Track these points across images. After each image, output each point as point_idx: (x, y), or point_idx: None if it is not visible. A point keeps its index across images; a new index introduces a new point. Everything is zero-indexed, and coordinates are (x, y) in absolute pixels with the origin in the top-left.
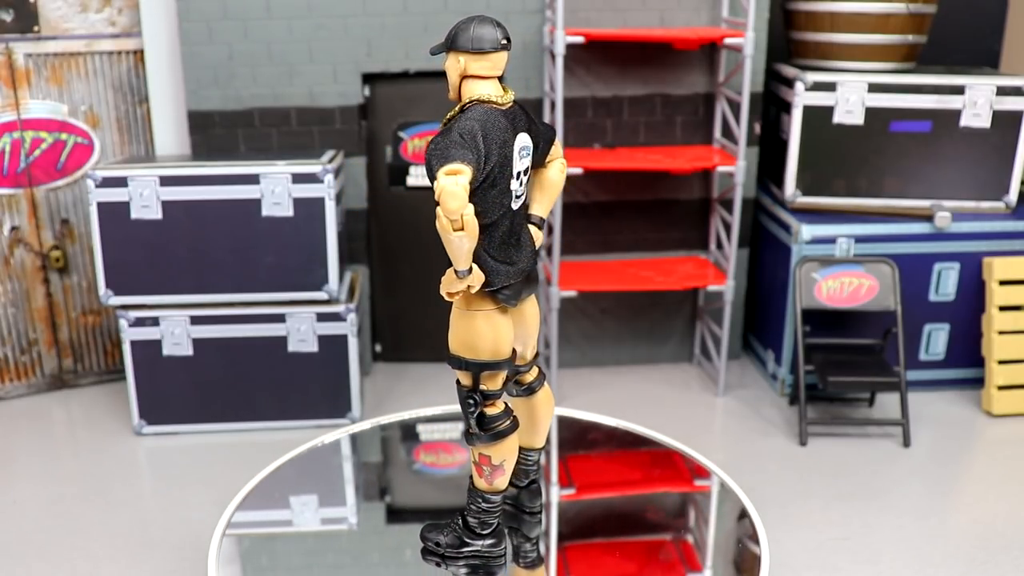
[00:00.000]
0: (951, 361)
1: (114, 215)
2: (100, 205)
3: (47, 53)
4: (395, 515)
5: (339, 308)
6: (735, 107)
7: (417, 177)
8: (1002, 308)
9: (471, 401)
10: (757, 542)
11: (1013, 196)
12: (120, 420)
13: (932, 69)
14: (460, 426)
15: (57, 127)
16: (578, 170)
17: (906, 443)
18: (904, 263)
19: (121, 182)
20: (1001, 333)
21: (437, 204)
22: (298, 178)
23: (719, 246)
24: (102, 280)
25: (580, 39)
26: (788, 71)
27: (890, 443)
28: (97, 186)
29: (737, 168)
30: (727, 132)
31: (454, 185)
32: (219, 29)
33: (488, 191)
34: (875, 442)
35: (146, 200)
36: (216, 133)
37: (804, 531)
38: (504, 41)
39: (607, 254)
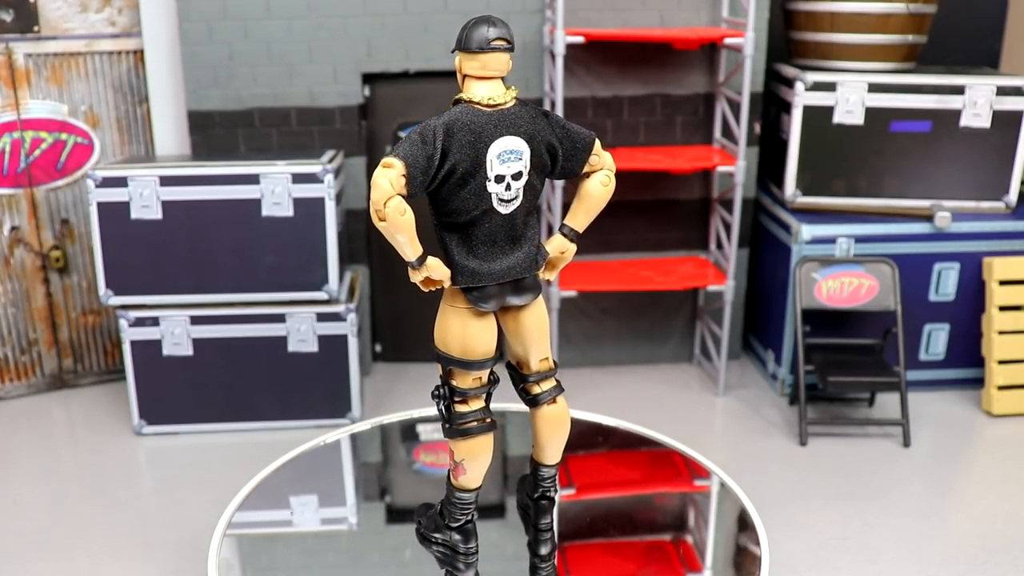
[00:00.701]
0: (951, 361)
1: (114, 215)
2: (100, 205)
3: (47, 53)
4: (395, 515)
5: (339, 308)
6: (735, 107)
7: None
8: (1002, 308)
9: (437, 393)
10: (757, 542)
11: (1013, 196)
12: (120, 420)
13: (932, 69)
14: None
15: (57, 127)
16: None
17: (906, 443)
18: (904, 263)
19: (121, 182)
20: (1001, 333)
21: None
22: (298, 178)
23: (719, 246)
24: (102, 280)
25: (580, 39)
26: (788, 71)
27: (890, 443)
28: (97, 186)
29: (737, 168)
30: (727, 132)
31: (380, 177)
32: (219, 29)
33: (457, 190)
34: (875, 442)
35: (146, 200)
36: (216, 133)
37: (804, 531)
38: (495, 42)
39: (607, 254)
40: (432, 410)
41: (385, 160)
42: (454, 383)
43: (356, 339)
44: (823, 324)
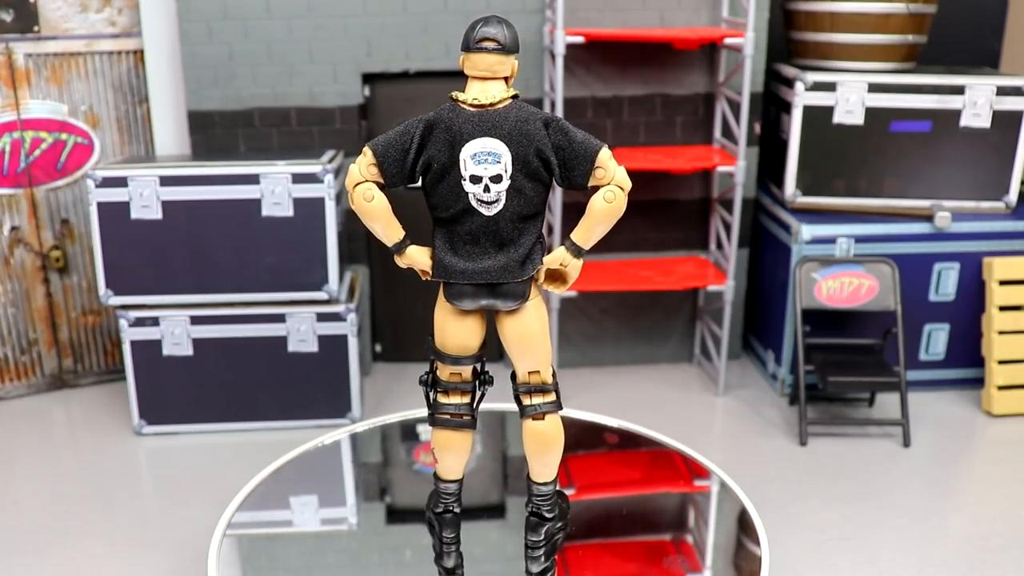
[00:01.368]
0: (951, 361)
1: (114, 215)
2: (100, 205)
3: (47, 53)
4: (395, 515)
5: (339, 308)
6: (735, 107)
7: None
8: (1002, 308)
9: (422, 379)
10: (757, 542)
11: (1013, 196)
12: (120, 420)
13: (932, 69)
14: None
15: (57, 127)
16: None
17: (906, 443)
18: (904, 263)
19: (121, 182)
20: (1001, 333)
21: None
22: (298, 178)
23: (719, 246)
24: (102, 280)
25: (580, 39)
26: (788, 71)
27: (890, 443)
28: (97, 186)
29: (737, 168)
30: (727, 132)
31: (353, 164)
32: (219, 29)
33: (436, 184)
34: (875, 442)
35: (146, 200)
36: (216, 133)
37: (804, 531)
38: (482, 42)
39: (607, 254)
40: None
41: (363, 148)
42: (437, 372)
43: (356, 339)
44: (823, 324)
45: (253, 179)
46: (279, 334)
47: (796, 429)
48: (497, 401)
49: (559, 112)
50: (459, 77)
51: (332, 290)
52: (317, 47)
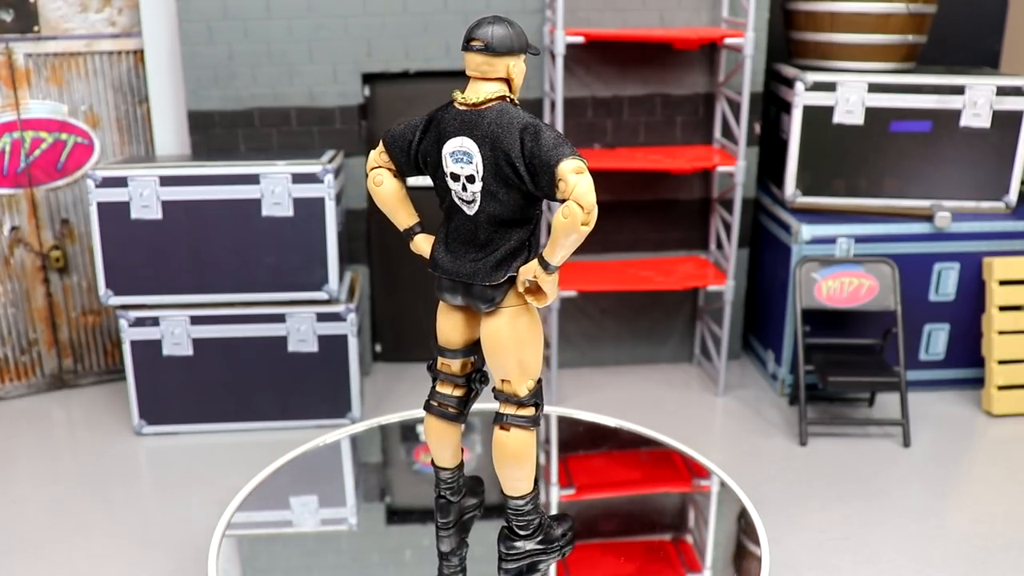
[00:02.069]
0: (951, 361)
1: (114, 215)
2: (100, 205)
3: (47, 53)
4: (395, 515)
5: (339, 308)
6: (735, 107)
7: (417, 177)
8: (1002, 308)
9: (429, 364)
10: (757, 542)
11: (1013, 196)
12: (120, 420)
13: (932, 69)
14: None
15: (57, 127)
16: None
17: (906, 443)
18: (904, 263)
19: (121, 182)
20: (1001, 333)
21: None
22: (298, 178)
23: (719, 246)
24: (102, 280)
25: (580, 39)
26: (788, 71)
27: (890, 443)
28: (97, 186)
29: (737, 168)
30: (727, 132)
31: (373, 150)
32: (219, 29)
33: (432, 178)
34: (875, 442)
35: (146, 200)
36: (216, 133)
37: (804, 531)
38: (470, 42)
39: (607, 254)
40: None
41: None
42: (438, 360)
43: (356, 339)
44: (823, 324)
45: (253, 179)
46: (279, 334)
47: (796, 429)
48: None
49: (559, 112)
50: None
51: (332, 290)
52: (317, 47)
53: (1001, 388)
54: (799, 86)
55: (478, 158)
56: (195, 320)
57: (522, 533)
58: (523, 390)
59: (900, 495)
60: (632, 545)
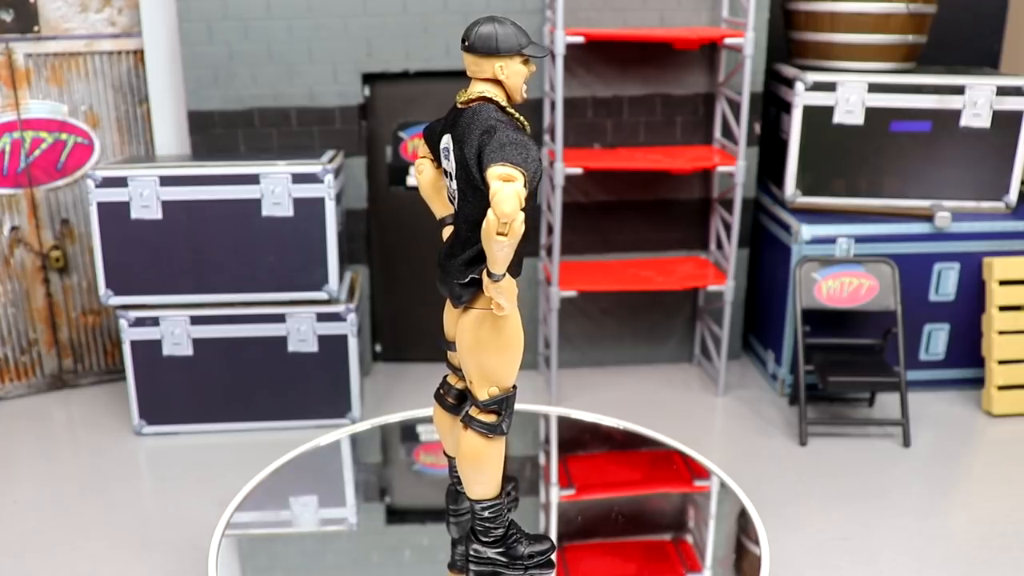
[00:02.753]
0: (951, 361)
1: (114, 215)
2: (100, 205)
3: (47, 53)
4: (395, 515)
5: (339, 308)
6: (735, 107)
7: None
8: (1002, 308)
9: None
10: (757, 542)
11: (1013, 196)
12: (120, 420)
13: (932, 69)
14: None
15: (57, 127)
16: (578, 170)
17: (906, 443)
18: (904, 263)
19: (121, 182)
20: (1001, 333)
21: None
22: (298, 178)
23: (719, 246)
24: (102, 280)
25: (580, 39)
26: (788, 71)
27: (890, 443)
28: (97, 186)
29: (737, 168)
30: (727, 132)
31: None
32: (219, 29)
33: None
34: (875, 442)
35: (146, 200)
36: (216, 133)
37: (804, 531)
38: (462, 42)
39: (607, 254)
40: (432, 410)
41: None
42: None
43: (356, 339)
44: (823, 324)
45: (253, 179)
46: (279, 334)
47: (796, 429)
48: None
49: (559, 112)
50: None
51: (332, 290)
52: (317, 47)
53: (1001, 388)
54: (799, 86)
55: (452, 157)
56: (195, 320)
57: (483, 539)
58: (482, 394)
59: (900, 495)
60: (632, 545)
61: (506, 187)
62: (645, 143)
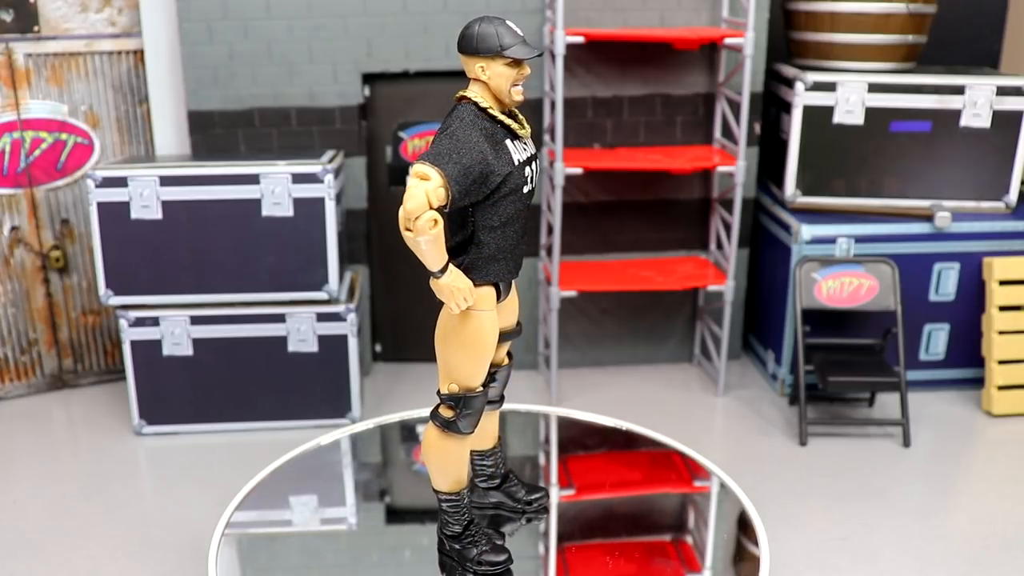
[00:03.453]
0: (951, 361)
1: (114, 215)
2: (100, 205)
3: (47, 53)
4: (395, 515)
5: (339, 308)
6: (735, 107)
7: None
8: (1002, 308)
9: None
10: (757, 542)
11: (1013, 196)
12: (120, 420)
13: (932, 69)
14: None
15: (57, 127)
16: (578, 170)
17: (906, 443)
18: (904, 263)
19: (121, 182)
20: (1001, 333)
21: None
22: (298, 178)
23: (719, 246)
24: (102, 280)
25: (580, 39)
26: (788, 71)
27: (890, 443)
28: (97, 186)
29: (737, 168)
30: (727, 132)
31: None
32: (219, 29)
33: None
34: (875, 442)
35: (146, 200)
36: (216, 133)
37: (804, 531)
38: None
39: (607, 254)
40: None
41: None
42: None
43: (356, 339)
44: (823, 324)
45: (253, 179)
46: (279, 334)
47: (796, 429)
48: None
49: (560, 112)
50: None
51: (332, 290)
52: (317, 47)
53: (1001, 388)
54: (799, 86)
55: None
56: (195, 320)
57: (443, 529)
58: (443, 387)
59: (900, 495)
60: (632, 545)
61: (417, 185)
62: (645, 143)
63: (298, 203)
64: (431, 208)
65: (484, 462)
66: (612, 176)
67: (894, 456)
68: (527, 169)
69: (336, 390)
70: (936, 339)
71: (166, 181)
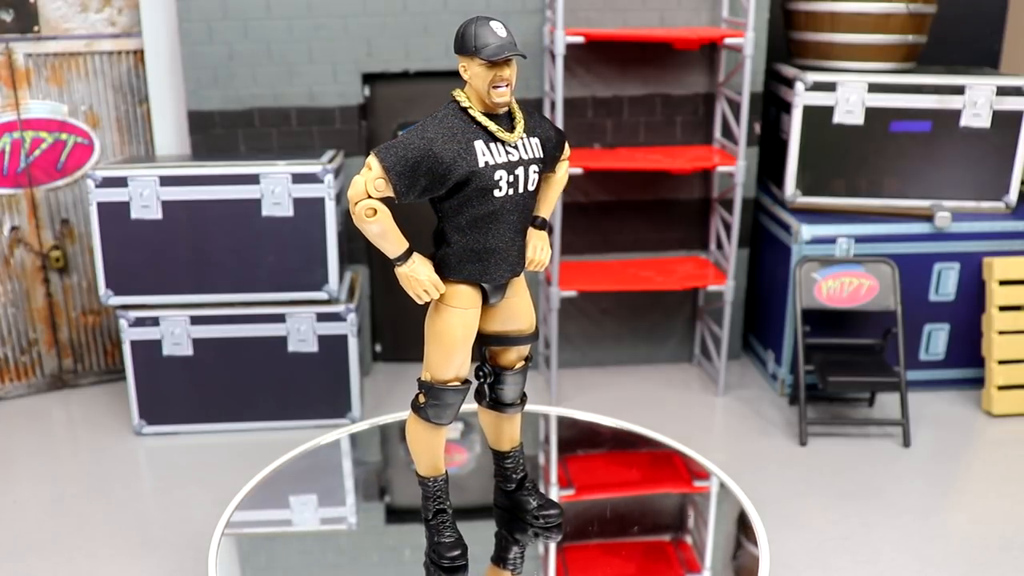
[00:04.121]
0: (951, 361)
1: (114, 215)
2: (100, 205)
3: (47, 53)
4: (395, 515)
5: (339, 308)
6: (735, 107)
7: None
8: (1002, 308)
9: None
10: (757, 542)
11: (1013, 196)
12: (120, 420)
13: (932, 69)
14: (459, 426)
15: (57, 127)
16: (578, 170)
17: (906, 443)
18: (904, 263)
19: (121, 182)
20: (1001, 333)
21: (567, 159)
22: (298, 178)
23: (719, 246)
24: (102, 280)
25: (580, 39)
26: (788, 71)
27: (890, 443)
28: (97, 186)
29: (737, 168)
30: (727, 132)
31: None
32: (219, 29)
33: None
34: (875, 442)
35: (146, 200)
36: (216, 133)
37: (804, 531)
38: None
39: (607, 254)
40: None
41: None
42: None
43: (356, 339)
44: (823, 324)
45: (253, 179)
46: (279, 334)
47: (796, 429)
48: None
49: (559, 111)
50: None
51: (332, 290)
52: (317, 47)
53: (1001, 388)
54: (799, 86)
55: None
56: (195, 320)
57: (422, 511)
58: (422, 373)
59: (900, 495)
60: (632, 546)
61: (360, 174)
62: (645, 143)
63: (298, 203)
64: (369, 197)
65: (502, 464)
66: (612, 176)
67: (894, 456)
68: (502, 172)
69: (336, 390)
70: (936, 339)
71: (166, 181)
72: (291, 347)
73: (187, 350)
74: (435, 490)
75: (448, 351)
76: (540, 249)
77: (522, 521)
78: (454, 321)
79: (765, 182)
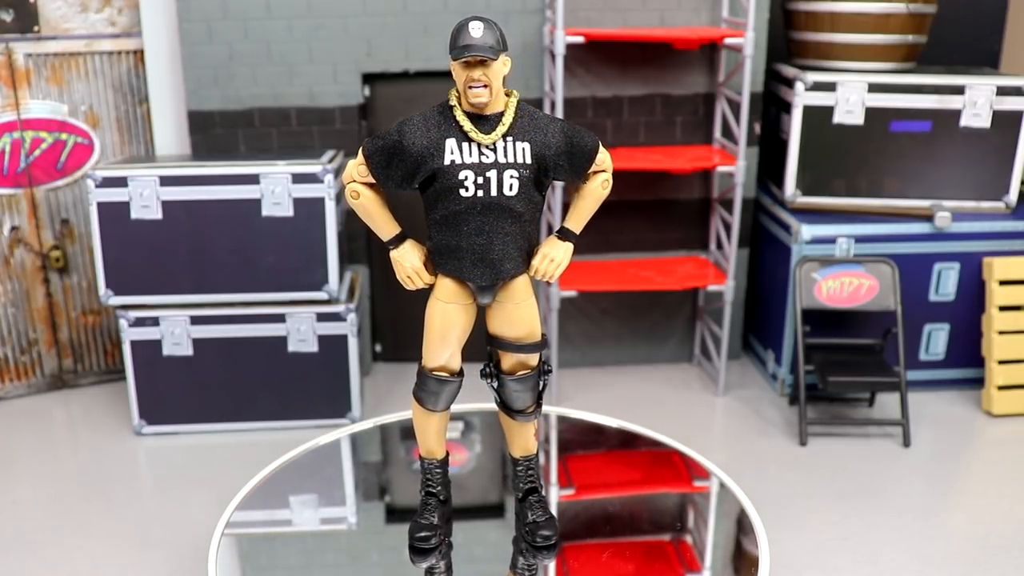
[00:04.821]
0: (951, 361)
1: (114, 215)
2: (100, 205)
3: (47, 53)
4: (394, 515)
5: (339, 308)
6: (735, 107)
7: None
8: (1002, 308)
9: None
10: (757, 542)
11: (1013, 196)
12: (120, 420)
13: (932, 69)
14: (459, 426)
15: (57, 127)
16: None
17: (906, 443)
18: (904, 263)
19: (121, 182)
20: (1001, 333)
21: (605, 171)
22: (298, 178)
23: (719, 246)
24: (102, 280)
25: (580, 39)
26: (788, 71)
27: (890, 443)
28: (97, 186)
29: (737, 168)
30: (727, 132)
31: None
32: (219, 29)
33: None
34: (875, 442)
35: (146, 200)
36: (216, 133)
37: (804, 531)
38: None
39: (607, 254)
40: None
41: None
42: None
43: (356, 339)
44: (823, 324)
45: (253, 179)
46: (279, 334)
47: (796, 429)
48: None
49: (559, 112)
50: None
51: (332, 290)
52: (317, 47)
53: (1001, 388)
54: (799, 86)
55: None
56: (195, 320)
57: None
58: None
59: (900, 495)
60: (632, 545)
61: (349, 165)
62: (645, 143)
63: (298, 203)
64: (354, 181)
65: (514, 470)
66: (612, 176)
67: (894, 456)
68: (468, 172)
69: (336, 390)
70: (936, 339)
71: (166, 181)
72: (291, 347)
73: (187, 350)
74: (427, 472)
75: (433, 340)
76: (548, 259)
77: (521, 531)
78: (435, 311)
79: (765, 182)
